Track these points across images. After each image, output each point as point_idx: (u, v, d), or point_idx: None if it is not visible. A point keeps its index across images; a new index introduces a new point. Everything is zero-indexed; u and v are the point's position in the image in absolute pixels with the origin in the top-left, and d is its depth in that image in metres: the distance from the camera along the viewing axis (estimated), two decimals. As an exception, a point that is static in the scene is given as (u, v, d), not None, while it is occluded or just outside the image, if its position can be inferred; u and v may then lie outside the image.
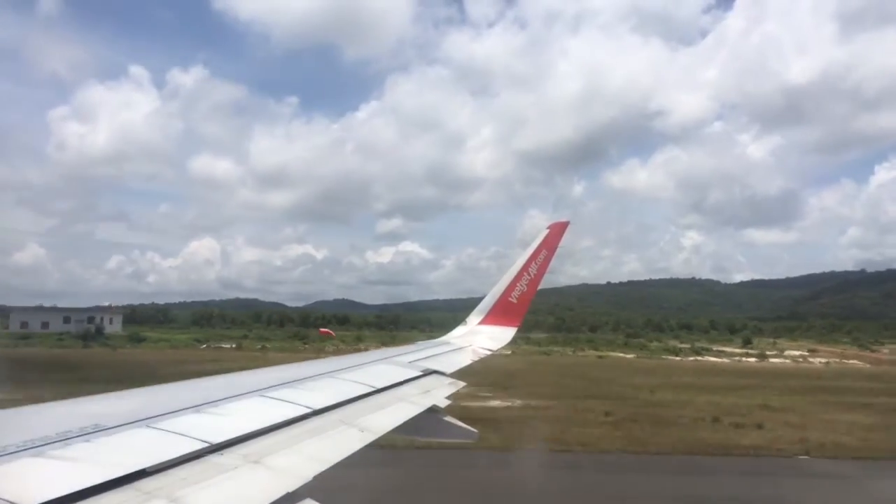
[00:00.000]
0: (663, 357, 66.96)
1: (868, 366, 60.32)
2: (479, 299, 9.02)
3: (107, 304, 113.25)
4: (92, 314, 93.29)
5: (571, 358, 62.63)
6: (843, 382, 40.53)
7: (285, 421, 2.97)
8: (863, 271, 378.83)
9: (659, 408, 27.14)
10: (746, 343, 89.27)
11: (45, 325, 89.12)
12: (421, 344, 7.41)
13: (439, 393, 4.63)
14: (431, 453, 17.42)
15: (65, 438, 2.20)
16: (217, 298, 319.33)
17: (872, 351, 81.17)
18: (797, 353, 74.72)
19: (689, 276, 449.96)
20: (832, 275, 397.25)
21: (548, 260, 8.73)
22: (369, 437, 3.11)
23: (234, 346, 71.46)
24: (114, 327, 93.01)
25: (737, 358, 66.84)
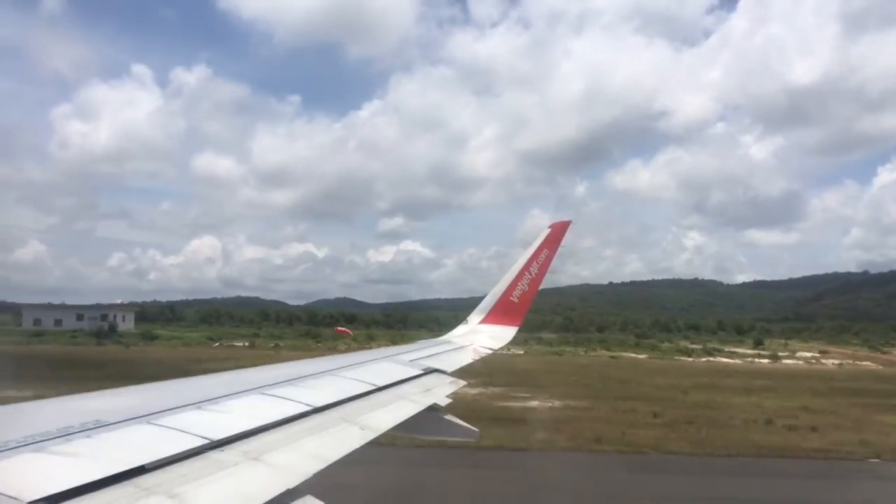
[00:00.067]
0: (675, 358, 66.81)
1: (881, 367, 60.00)
2: (481, 298, 9.03)
3: (119, 301, 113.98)
4: (105, 312, 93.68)
5: (585, 358, 62.58)
6: (865, 384, 40.32)
7: (286, 418, 2.97)
8: (866, 272, 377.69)
9: (703, 409, 27.02)
10: (758, 344, 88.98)
11: (58, 322, 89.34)
12: (422, 343, 7.41)
13: (440, 391, 4.63)
14: (514, 455, 17.87)
15: (66, 434, 2.21)
16: (219, 296, 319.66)
17: (883, 353, 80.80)
18: (809, 354, 74.43)
19: (692, 277, 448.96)
20: (835, 276, 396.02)
21: (549, 259, 8.73)
22: (370, 435, 3.11)
23: (246, 344, 71.28)
24: (126, 325, 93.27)
25: (749, 359, 66.59)
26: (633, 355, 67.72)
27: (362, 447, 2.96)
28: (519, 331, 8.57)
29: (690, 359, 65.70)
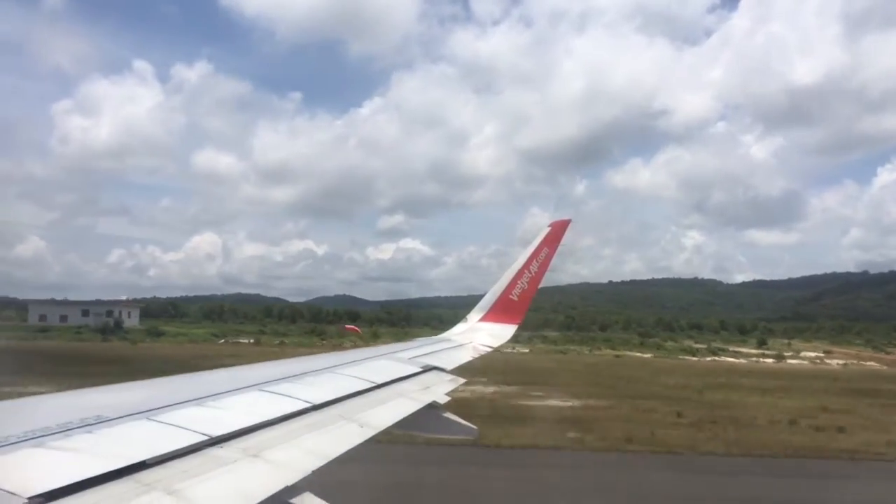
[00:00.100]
0: (680, 357, 66.83)
1: (886, 368, 59.96)
2: (481, 297, 9.03)
3: (124, 297, 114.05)
4: (110, 308, 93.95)
5: (591, 357, 62.58)
6: (875, 385, 40.13)
7: (285, 415, 2.98)
8: (865, 273, 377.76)
9: (723, 409, 26.92)
10: (761, 344, 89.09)
11: (63, 318, 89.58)
12: (421, 340, 7.41)
13: (439, 389, 4.63)
14: (552, 455, 17.97)
15: (66, 429, 2.22)
16: (219, 293, 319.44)
17: (887, 353, 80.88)
18: (813, 354, 74.50)
19: (692, 276, 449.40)
20: (834, 276, 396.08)
21: (549, 258, 8.73)
22: (369, 433, 3.12)
23: (252, 341, 71.17)
24: (131, 321, 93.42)
25: (754, 359, 66.62)
26: (638, 354, 67.78)
27: (363, 444, 2.97)
28: (520, 329, 8.58)
29: (695, 358, 65.77)
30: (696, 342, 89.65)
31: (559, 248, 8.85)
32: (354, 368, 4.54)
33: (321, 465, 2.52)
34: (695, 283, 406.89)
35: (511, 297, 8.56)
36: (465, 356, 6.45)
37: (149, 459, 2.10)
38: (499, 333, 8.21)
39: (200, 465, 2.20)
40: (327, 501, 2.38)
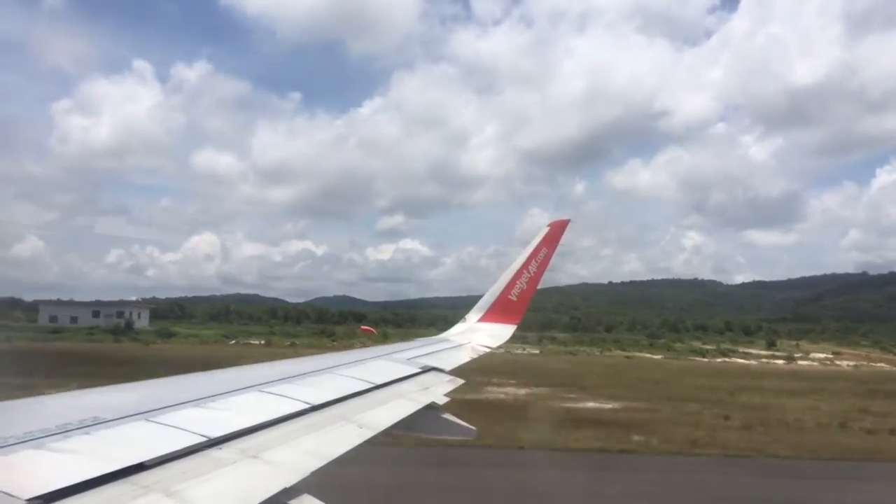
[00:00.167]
0: (690, 358, 66.82)
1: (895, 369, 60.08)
2: (479, 297, 9.01)
3: (134, 298, 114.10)
4: (121, 309, 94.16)
5: (603, 358, 62.53)
6: (893, 386, 40.02)
7: (284, 416, 2.97)
8: (864, 273, 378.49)
9: (764, 412, 26.74)
10: (770, 345, 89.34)
11: (73, 319, 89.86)
12: (420, 341, 7.40)
13: (438, 390, 4.62)
14: (633, 459, 17.88)
15: (64, 431, 2.21)
16: (217, 293, 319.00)
17: (895, 354, 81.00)
18: (822, 355, 74.68)
19: (692, 277, 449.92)
20: (833, 277, 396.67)
21: (548, 258, 8.73)
22: (368, 433, 3.11)
23: (262, 342, 70.98)
24: (141, 322, 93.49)
25: (764, 360, 66.73)
26: (648, 356, 67.83)
27: (362, 444, 2.97)
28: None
29: (705, 359, 65.76)
30: (704, 343, 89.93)
31: (558, 248, 8.85)
32: (353, 369, 4.53)
33: (320, 466, 2.52)
34: (695, 284, 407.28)
35: (510, 297, 8.55)
36: (463, 357, 6.44)
37: (147, 461, 2.09)
38: (497, 334, 8.20)
39: (199, 467, 2.19)
40: (326, 503, 2.37)
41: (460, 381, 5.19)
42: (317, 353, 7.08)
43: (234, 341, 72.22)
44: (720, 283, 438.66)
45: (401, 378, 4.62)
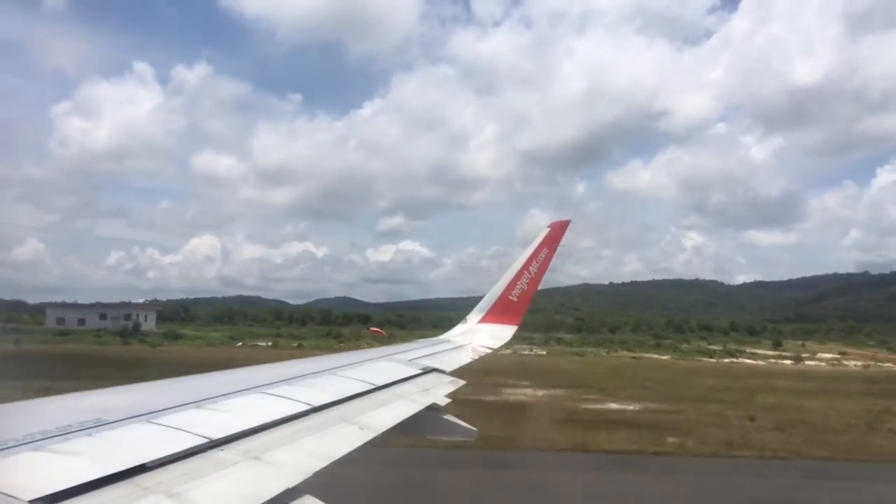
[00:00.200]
0: (697, 359, 66.62)
1: None
2: (480, 298, 9.02)
3: (141, 300, 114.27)
4: (128, 311, 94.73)
5: (611, 359, 62.39)
6: None
7: (285, 417, 2.97)
8: (865, 273, 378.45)
9: (788, 413, 26.51)
10: (777, 346, 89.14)
11: (81, 321, 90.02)
12: (420, 342, 7.41)
13: (439, 391, 4.62)
14: (675, 462, 17.74)
15: (65, 433, 2.20)
16: (218, 295, 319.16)
17: None
18: (829, 355, 74.41)
19: (693, 277, 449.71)
20: (834, 277, 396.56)
21: (548, 259, 8.74)
22: (369, 435, 3.11)
23: (269, 344, 70.98)
24: (148, 324, 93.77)
25: (771, 360, 66.52)
26: (655, 356, 67.65)
27: (365, 445, 2.96)
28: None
29: (713, 360, 65.50)
30: (710, 344, 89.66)
31: (559, 248, 8.86)
32: (354, 370, 4.53)
33: (322, 467, 2.51)
34: (696, 285, 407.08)
35: (510, 298, 8.56)
36: (464, 358, 6.44)
37: (149, 462, 2.08)
38: (498, 334, 8.20)
39: (201, 468, 2.19)
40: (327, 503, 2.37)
41: (461, 383, 5.19)
42: (324, 355, 7.09)
43: (241, 343, 72.23)
44: (721, 284, 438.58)
45: (402, 379, 4.62)
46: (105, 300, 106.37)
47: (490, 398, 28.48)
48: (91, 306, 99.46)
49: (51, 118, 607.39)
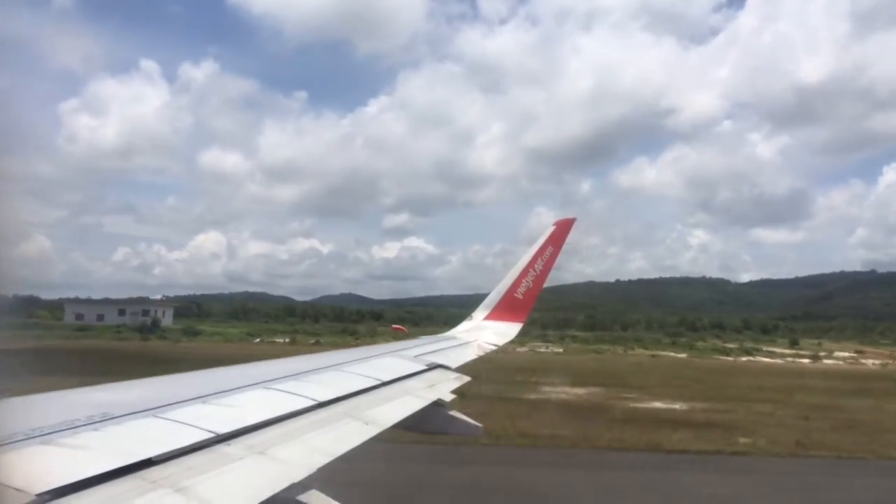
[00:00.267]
0: (714, 357, 66.24)
1: None
2: (485, 295, 9.02)
3: (159, 297, 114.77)
4: (147, 307, 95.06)
5: (629, 357, 61.99)
6: None
7: (291, 413, 2.98)
8: (873, 272, 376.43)
9: (836, 412, 26.05)
10: (793, 344, 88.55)
11: (100, 317, 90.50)
12: (426, 338, 7.42)
13: (444, 387, 4.63)
14: (751, 462, 17.50)
15: (73, 427, 2.22)
16: (225, 292, 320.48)
17: None
18: (846, 354, 73.93)
19: (700, 275, 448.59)
20: (841, 275, 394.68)
21: (554, 256, 8.73)
22: (374, 430, 3.12)
23: (287, 340, 71.25)
24: (166, 320, 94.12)
25: (789, 358, 66.03)
26: (672, 354, 67.19)
27: (369, 441, 2.97)
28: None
29: (730, 358, 65.06)
30: (724, 342, 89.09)
31: (564, 246, 8.85)
32: (360, 366, 4.54)
33: (327, 462, 2.52)
34: (703, 282, 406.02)
35: (516, 295, 8.56)
36: (470, 354, 6.45)
37: (156, 456, 2.10)
38: (503, 331, 8.21)
39: (207, 462, 2.20)
40: (333, 498, 2.38)
41: (466, 379, 5.19)
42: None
43: (258, 339, 72.52)
44: (728, 281, 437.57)
45: (407, 375, 4.62)
46: (112, 296, 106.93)
47: (532, 396, 28.33)
48: (110, 302, 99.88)
49: (59, 115, 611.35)
